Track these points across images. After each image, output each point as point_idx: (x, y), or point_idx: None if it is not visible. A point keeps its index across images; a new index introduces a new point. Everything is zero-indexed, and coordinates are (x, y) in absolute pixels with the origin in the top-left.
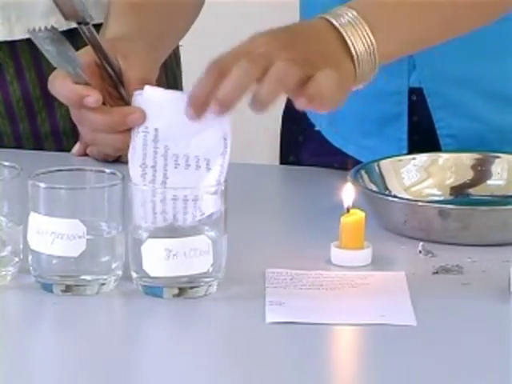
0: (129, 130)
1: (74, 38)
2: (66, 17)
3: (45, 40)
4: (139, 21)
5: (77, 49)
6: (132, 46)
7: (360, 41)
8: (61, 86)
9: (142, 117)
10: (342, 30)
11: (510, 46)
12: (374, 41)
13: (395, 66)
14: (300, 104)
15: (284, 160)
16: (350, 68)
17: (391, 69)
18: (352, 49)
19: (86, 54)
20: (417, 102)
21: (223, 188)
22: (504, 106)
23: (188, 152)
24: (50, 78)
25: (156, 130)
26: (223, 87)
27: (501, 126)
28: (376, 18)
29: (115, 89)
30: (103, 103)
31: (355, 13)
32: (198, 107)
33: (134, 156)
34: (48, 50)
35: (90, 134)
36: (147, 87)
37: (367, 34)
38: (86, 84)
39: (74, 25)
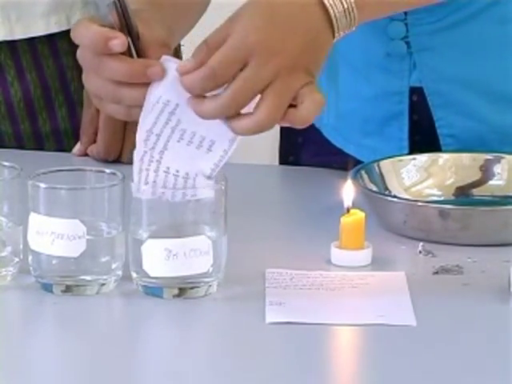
0: (146, 86)
1: None
2: None
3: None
4: (156, 9)
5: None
6: (153, 14)
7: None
8: (86, 29)
9: (163, 71)
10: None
11: (510, 46)
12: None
13: (396, 65)
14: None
15: (283, 161)
16: (327, 34)
17: (392, 68)
18: (331, 12)
19: (87, 30)
20: (417, 102)
21: (223, 188)
22: (505, 106)
23: (196, 130)
24: (75, 24)
25: (177, 105)
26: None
27: (501, 126)
28: None
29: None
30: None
31: None
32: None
33: (145, 120)
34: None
35: (105, 87)
36: (177, 60)
37: None
38: (112, 28)
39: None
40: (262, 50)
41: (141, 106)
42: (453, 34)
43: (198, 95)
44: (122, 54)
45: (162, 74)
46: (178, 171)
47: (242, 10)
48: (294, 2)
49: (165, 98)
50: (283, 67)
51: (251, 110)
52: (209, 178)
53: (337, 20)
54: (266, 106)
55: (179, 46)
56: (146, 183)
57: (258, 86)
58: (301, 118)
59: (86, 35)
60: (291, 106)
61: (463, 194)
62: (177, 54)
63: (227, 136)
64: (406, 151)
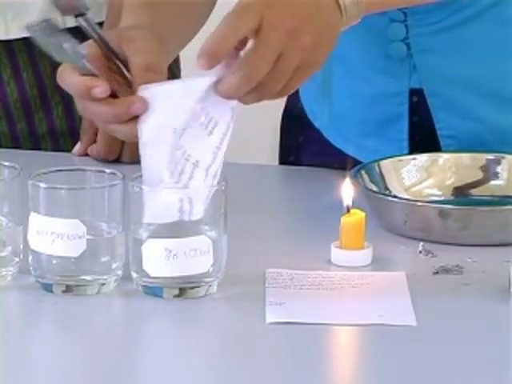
0: (134, 121)
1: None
2: (63, 11)
3: (43, 33)
4: (151, 17)
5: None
6: (139, 32)
7: None
8: (69, 78)
9: (145, 105)
10: None
11: (510, 47)
12: None
13: (396, 67)
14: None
15: (284, 160)
16: (339, 23)
17: (392, 70)
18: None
19: (90, 47)
20: (417, 103)
21: (223, 188)
22: (504, 106)
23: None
24: (59, 70)
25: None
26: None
27: (501, 126)
28: None
29: (123, 77)
30: (112, 94)
31: None
32: (210, 58)
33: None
34: (48, 44)
35: (100, 124)
36: (152, 87)
37: None
38: (93, 75)
39: (69, 24)
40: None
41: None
42: (453, 36)
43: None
44: (119, 75)
45: (145, 107)
46: (189, 155)
47: None
48: None
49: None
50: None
51: None
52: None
53: (345, 8)
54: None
55: None
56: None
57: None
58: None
59: (70, 84)
60: None
61: (463, 194)
62: (176, 61)
63: (226, 118)
64: (406, 152)
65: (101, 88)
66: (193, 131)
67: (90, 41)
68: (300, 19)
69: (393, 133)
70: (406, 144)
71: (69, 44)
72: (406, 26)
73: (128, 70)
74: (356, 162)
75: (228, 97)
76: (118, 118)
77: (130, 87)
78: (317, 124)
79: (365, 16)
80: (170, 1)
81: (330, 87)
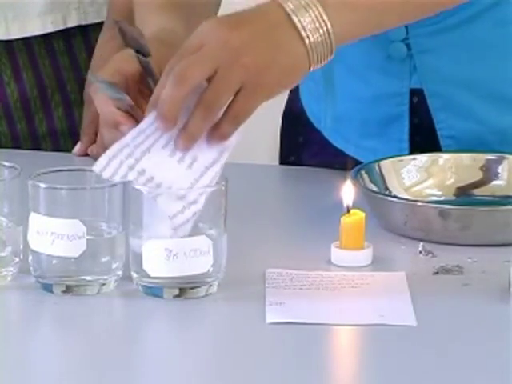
0: None
1: (69, 36)
2: (127, 43)
3: (102, 87)
4: (169, 22)
5: (87, 45)
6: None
7: (312, 25)
8: (103, 104)
9: None
10: (291, 14)
11: (510, 48)
12: (327, 22)
13: (396, 67)
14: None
15: (284, 161)
16: (302, 53)
17: (392, 70)
18: (303, 33)
19: (128, 63)
20: (418, 104)
21: (223, 188)
22: (504, 107)
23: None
24: (92, 89)
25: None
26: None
27: (501, 127)
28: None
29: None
30: None
31: None
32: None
33: (142, 122)
34: (102, 91)
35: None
36: None
37: (320, 15)
38: (126, 112)
39: (70, 24)
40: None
41: None
42: (453, 36)
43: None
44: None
45: None
46: (152, 177)
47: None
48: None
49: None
50: (227, 41)
51: None
52: (180, 198)
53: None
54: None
55: None
56: (114, 174)
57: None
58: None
59: (102, 110)
60: None
61: (463, 194)
62: None
63: (211, 153)
64: (407, 153)
65: (128, 126)
66: (155, 154)
67: (125, 52)
68: (244, 39)
69: (393, 133)
70: (406, 145)
71: (120, 93)
72: (406, 26)
73: None
74: (356, 162)
75: (193, 139)
76: None
77: None
78: (319, 126)
79: None
80: (180, 3)
81: (332, 88)
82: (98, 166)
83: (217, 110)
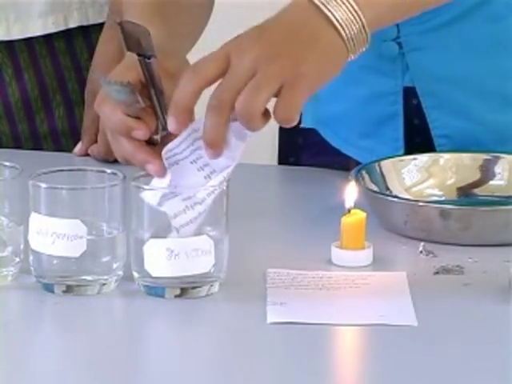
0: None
1: (70, 37)
2: (128, 47)
3: (117, 92)
4: (166, 28)
5: (88, 45)
6: (173, 60)
7: (343, 11)
8: (111, 113)
9: (162, 172)
10: (322, 7)
11: (502, 45)
12: (357, 8)
13: (389, 66)
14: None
15: (283, 162)
16: (338, 43)
17: (385, 69)
18: (337, 24)
19: (130, 71)
20: (418, 105)
21: (225, 188)
22: (497, 105)
23: (209, 162)
24: (98, 98)
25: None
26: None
27: (494, 125)
28: None
29: (152, 108)
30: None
31: None
32: (179, 118)
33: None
34: (115, 97)
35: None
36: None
37: (351, 5)
38: (136, 117)
39: (71, 25)
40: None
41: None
42: (444, 34)
43: None
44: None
45: (161, 174)
46: (176, 187)
47: None
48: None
49: (196, 126)
50: (261, 57)
51: None
52: (185, 199)
53: (342, 26)
54: (244, 100)
55: None
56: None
57: (241, 83)
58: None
59: (110, 119)
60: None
61: (464, 194)
62: None
63: (226, 166)
64: (402, 152)
65: (142, 132)
66: (183, 167)
67: (126, 62)
68: (275, 41)
69: (388, 132)
70: (401, 143)
71: (132, 97)
72: (397, 25)
73: (159, 103)
74: (356, 163)
75: (214, 142)
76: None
77: (155, 117)
78: (304, 123)
79: None
80: (176, 6)
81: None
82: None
83: (256, 112)
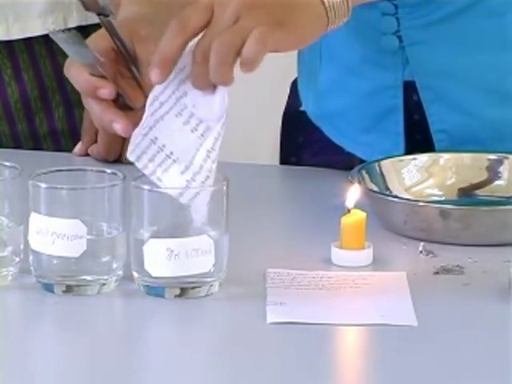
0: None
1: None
2: (87, 7)
3: (64, 40)
4: (152, 5)
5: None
6: (146, 25)
7: None
8: (77, 74)
9: (131, 128)
10: None
11: (502, 40)
12: None
13: (389, 60)
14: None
15: (285, 162)
16: (320, 10)
17: (385, 63)
18: None
19: (101, 40)
20: (417, 100)
21: (225, 188)
22: (496, 100)
23: (195, 112)
24: (66, 63)
25: (187, 76)
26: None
27: (492, 121)
28: None
29: (128, 69)
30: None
31: None
32: (164, 67)
33: (157, 87)
34: (66, 48)
35: (97, 123)
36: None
37: None
38: (101, 77)
39: (70, 25)
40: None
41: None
42: (444, 28)
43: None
44: (123, 60)
45: (131, 130)
46: (164, 145)
47: None
48: None
49: (181, 65)
50: (243, 7)
51: None
52: (182, 172)
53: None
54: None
55: None
56: (135, 148)
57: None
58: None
59: (77, 80)
60: None
61: (464, 194)
62: None
63: (217, 116)
64: (402, 146)
65: (107, 90)
66: (169, 122)
67: (99, 32)
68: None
69: (389, 126)
70: (401, 138)
71: (86, 50)
72: (397, 18)
73: (134, 63)
74: (359, 161)
75: (217, 78)
76: (105, 126)
77: (133, 79)
78: (308, 111)
79: (356, 10)
80: None
81: (315, 84)
82: (130, 154)
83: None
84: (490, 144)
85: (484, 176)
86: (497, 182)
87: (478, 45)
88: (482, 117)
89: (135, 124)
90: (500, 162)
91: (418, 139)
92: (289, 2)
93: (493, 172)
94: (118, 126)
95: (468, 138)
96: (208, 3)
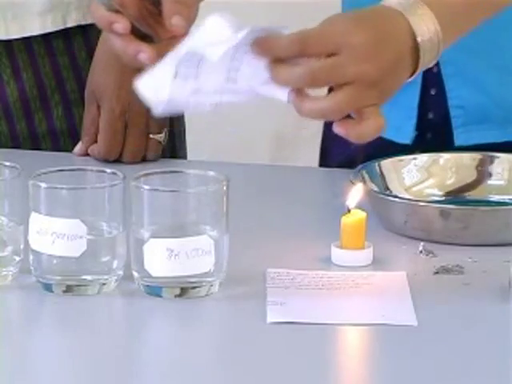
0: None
1: (69, 36)
2: None
3: None
4: None
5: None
6: None
7: (429, 44)
8: (95, 10)
9: (154, 58)
10: (420, 43)
11: None
12: (439, 29)
13: None
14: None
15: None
16: (411, 64)
17: None
18: (422, 54)
19: None
20: (437, 73)
21: (225, 188)
22: (509, 80)
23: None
24: (92, 7)
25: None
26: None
27: (506, 102)
28: (438, 8)
29: (154, 6)
30: (134, 31)
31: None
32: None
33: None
34: None
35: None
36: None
37: (434, 24)
38: (117, 11)
39: (69, 24)
40: (357, 52)
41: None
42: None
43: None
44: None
45: (153, 60)
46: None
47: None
48: (391, 22)
49: (246, 40)
50: (368, 76)
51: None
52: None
53: (424, 52)
54: (335, 100)
55: None
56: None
57: (338, 78)
58: (359, 133)
59: (95, 16)
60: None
61: (464, 194)
62: None
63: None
64: (414, 122)
65: (121, 24)
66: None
67: None
68: (383, 71)
69: (404, 100)
70: (415, 113)
71: None
72: None
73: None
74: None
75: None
76: (127, 59)
77: (159, 15)
78: None
79: None
80: None
81: None
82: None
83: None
84: (503, 125)
85: (484, 176)
86: (497, 182)
87: (502, 23)
88: (496, 96)
89: (160, 55)
90: (500, 161)
91: (431, 118)
92: (400, 72)
93: (493, 172)
94: (144, 55)
95: (482, 117)
96: (333, 44)
